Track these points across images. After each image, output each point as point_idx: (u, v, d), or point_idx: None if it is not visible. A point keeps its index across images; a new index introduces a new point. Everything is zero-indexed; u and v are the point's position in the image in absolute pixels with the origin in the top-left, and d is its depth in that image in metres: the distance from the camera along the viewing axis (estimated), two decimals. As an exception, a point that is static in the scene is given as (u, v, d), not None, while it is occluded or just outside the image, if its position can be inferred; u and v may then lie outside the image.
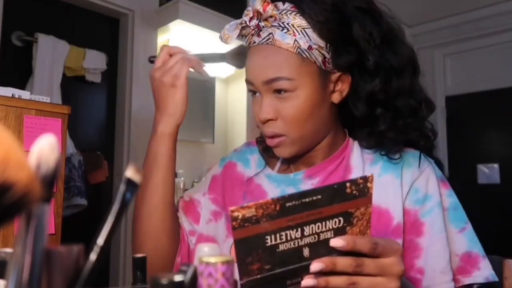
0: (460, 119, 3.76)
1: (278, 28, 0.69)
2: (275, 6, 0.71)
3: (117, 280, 2.47)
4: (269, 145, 0.76)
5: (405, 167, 0.73)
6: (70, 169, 2.20)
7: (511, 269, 0.83)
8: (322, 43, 0.69)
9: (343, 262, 0.45)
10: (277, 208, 0.42)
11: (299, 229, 0.44)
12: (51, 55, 2.28)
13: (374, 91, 0.72)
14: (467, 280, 0.68)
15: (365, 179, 0.47)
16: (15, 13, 2.25)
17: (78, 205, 2.20)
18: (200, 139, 3.01)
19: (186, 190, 2.72)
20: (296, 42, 0.68)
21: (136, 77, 2.64)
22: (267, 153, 0.84)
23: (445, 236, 0.69)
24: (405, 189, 0.72)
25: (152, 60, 0.84)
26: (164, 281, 0.31)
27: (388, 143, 0.74)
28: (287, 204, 0.42)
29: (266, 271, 0.44)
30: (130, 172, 0.35)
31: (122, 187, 0.34)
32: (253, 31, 0.73)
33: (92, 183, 2.37)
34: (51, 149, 0.31)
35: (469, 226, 0.72)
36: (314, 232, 0.45)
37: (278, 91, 0.70)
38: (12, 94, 1.54)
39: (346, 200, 0.46)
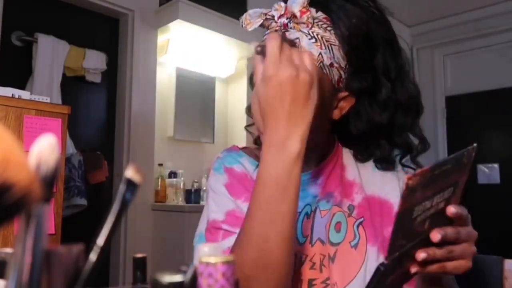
0: (460, 119, 3.76)
1: (307, 36, 0.68)
2: (310, 13, 0.69)
3: (117, 280, 2.47)
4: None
5: (397, 162, 0.78)
6: (70, 169, 2.20)
7: (511, 269, 0.83)
8: (343, 63, 0.69)
9: (452, 232, 0.50)
10: (429, 176, 0.42)
11: (432, 200, 0.45)
12: (51, 55, 2.28)
13: (381, 123, 0.73)
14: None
15: (474, 148, 0.48)
16: (15, 13, 2.25)
17: (78, 205, 2.20)
18: (200, 139, 3.01)
19: (186, 190, 2.73)
20: (320, 55, 0.67)
21: (136, 77, 2.64)
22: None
23: None
24: (400, 181, 0.76)
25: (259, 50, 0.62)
26: (164, 281, 0.31)
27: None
28: (436, 172, 0.43)
29: (403, 247, 0.44)
30: (130, 172, 0.35)
31: (122, 187, 0.34)
32: (277, 27, 0.71)
33: (92, 183, 2.37)
34: (51, 149, 0.31)
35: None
36: (436, 202, 0.46)
37: None
38: (12, 94, 1.54)
39: (461, 169, 0.48)
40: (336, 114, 0.74)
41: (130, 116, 2.61)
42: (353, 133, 0.76)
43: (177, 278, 0.32)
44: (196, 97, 2.98)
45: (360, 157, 0.79)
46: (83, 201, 2.21)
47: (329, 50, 0.68)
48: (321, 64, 0.67)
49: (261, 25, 0.72)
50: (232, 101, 3.21)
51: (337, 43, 0.68)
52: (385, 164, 0.77)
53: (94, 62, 2.48)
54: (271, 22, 0.71)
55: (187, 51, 2.86)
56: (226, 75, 3.14)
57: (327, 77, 0.69)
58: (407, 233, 0.44)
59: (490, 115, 3.58)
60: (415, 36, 3.91)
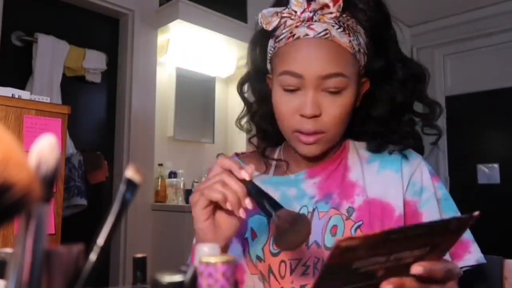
0: (460, 119, 3.75)
1: (334, 26, 0.69)
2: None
3: (117, 280, 2.47)
4: (302, 141, 0.74)
5: (404, 163, 0.77)
6: (70, 169, 2.20)
7: (511, 269, 0.83)
8: (365, 47, 0.73)
9: (411, 286, 0.45)
10: (382, 239, 0.40)
11: (388, 256, 0.42)
12: (51, 55, 2.28)
13: (403, 101, 0.76)
14: (459, 264, 0.71)
15: (471, 218, 0.44)
16: (15, 13, 2.25)
17: (78, 205, 2.20)
18: (200, 139, 3.01)
19: (186, 190, 2.73)
20: (351, 42, 0.70)
21: (136, 77, 2.64)
22: (260, 164, 0.84)
23: None
24: (405, 182, 0.75)
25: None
26: (164, 281, 0.31)
27: (389, 145, 0.79)
28: (392, 236, 0.40)
29: (339, 286, 0.43)
30: (130, 172, 0.35)
31: (122, 187, 0.34)
32: (298, 23, 0.71)
33: (92, 183, 2.37)
34: (51, 149, 0.31)
35: (458, 214, 0.76)
36: (399, 258, 0.43)
37: (328, 88, 0.70)
38: (12, 94, 1.54)
39: (444, 234, 0.45)
40: (358, 101, 0.77)
41: (130, 116, 2.60)
42: (373, 117, 0.78)
43: (177, 278, 0.32)
44: (196, 97, 2.98)
45: (375, 147, 0.79)
46: (83, 201, 2.21)
47: (356, 37, 0.71)
48: (353, 50, 0.70)
49: (276, 25, 0.73)
50: (232, 101, 3.21)
51: (359, 30, 0.72)
52: (405, 140, 0.77)
53: (94, 62, 2.48)
54: (286, 20, 0.72)
55: (187, 51, 2.85)
56: (226, 75, 3.14)
57: (357, 64, 0.72)
58: (345, 278, 0.42)
59: (490, 115, 3.58)
60: (415, 36, 3.91)
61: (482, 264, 0.72)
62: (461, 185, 3.59)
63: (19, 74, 2.25)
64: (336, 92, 0.70)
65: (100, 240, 0.33)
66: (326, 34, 0.69)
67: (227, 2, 2.89)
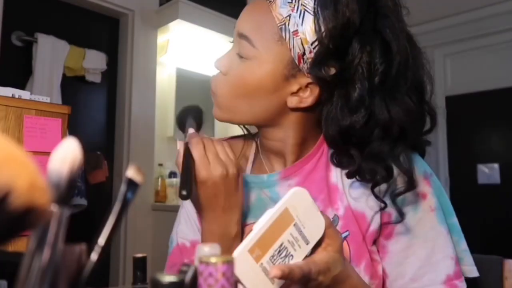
0: (460, 119, 3.75)
1: None
2: None
3: (117, 280, 2.47)
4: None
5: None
6: (70, 169, 2.20)
7: (511, 269, 0.83)
8: (311, 37, 0.59)
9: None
10: None
11: None
12: (51, 55, 2.28)
13: (349, 128, 0.61)
14: (463, 285, 0.63)
15: None
16: (15, 13, 2.25)
17: (78, 205, 2.20)
18: (200, 139, 3.01)
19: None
20: (288, 17, 0.60)
21: (136, 77, 2.64)
22: (239, 153, 0.77)
23: (418, 242, 0.63)
24: (383, 193, 0.62)
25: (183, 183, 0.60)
26: (164, 281, 0.31)
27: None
28: None
29: None
30: (130, 172, 0.35)
31: (122, 187, 0.34)
32: None
33: (92, 183, 2.37)
34: (65, 155, 0.31)
35: (454, 220, 0.68)
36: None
37: (238, 49, 0.65)
38: (12, 94, 1.54)
39: None
40: (292, 102, 0.64)
41: (130, 116, 2.61)
42: (325, 138, 0.66)
43: (177, 278, 0.32)
44: (196, 97, 2.98)
45: (336, 162, 0.67)
46: (83, 201, 2.20)
47: (300, 17, 0.60)
48: (282, 26, 0.60)
49: None
50: (232, 101, 3.21)
51: (313, 13, 0.59)
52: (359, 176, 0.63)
53: (94, 62, 2.48)
54: None
55: (187, 51, 2.85)
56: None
57: (285, 46, 0.61)
58: None
59: (490, 115, 3.58)
60: (415, 36, 3.90)
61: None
62: (461, 185, 3.59)
63: (19, 74, 2.25)
64: (241, 57, 0.64)
65: (101, 240, 0.33)
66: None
67: (227, 2, 2.89)
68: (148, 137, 2.67)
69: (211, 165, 0.60)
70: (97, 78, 2.53)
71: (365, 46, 0.59)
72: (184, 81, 2.88)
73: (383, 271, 0.64)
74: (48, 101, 1.65)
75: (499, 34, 3.50)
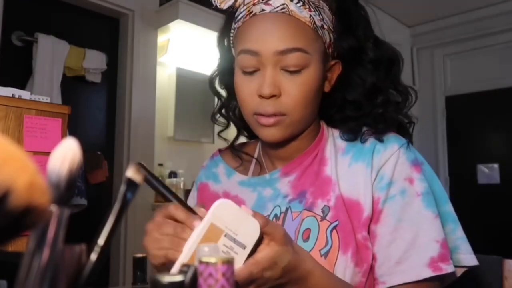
0: (460, 119, 3.76)
1: (293, 1, 0.66)
2: None
3: (117, 280, 2.47)
4: (261, 124, 0.69)
5: (375, 154, 0.69)
6: (70, 169, 2.20)
7: (511, 269, 0.83)
8: (331, 25, 0.69)
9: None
10: None
11: None
12: (51, 55, 2.28)
13: (375, 83, 0.71)
14: (449, 268, 0.63)
15: None
16: (15, 13, 2.25)
17: (78, 205, 2.20)
18: (200, 139, 3.01)
19: (186, 190, 2.73)
20: (311, 17, 0.66)
21: (136, 77, 2.64)
22: (236, 160, 0.81)
23: (403, 226, 0.65)
24: (374, 176, 0.68)
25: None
26: (164, 281, 0.31)
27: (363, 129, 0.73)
28: None
29: None
30: (130, 172, 0.35)
31: (122, 187, 0.35)
32: (256, 0, 0.68)
33: (92, 183, 2.37)
34: (64, 155, 0.31)
35: (449, 208, 0.69)
36: None
37: (287, 66, 0.65)
38: (12, 94, 1.54)
39: None
40: (327, 87, 0.72)
41: (130, 116, 2.61)
42: (348, 101, 0.74)
43: (177, 278, 0.32)
44: (196, 97, 2.98)
45: (347, 135, 0.73)
46: (83, 201, 2.20)
47: (317, 13, 0.67)
48: (315, 25, 0.66)
49: (236, 2, 0.71)
50: (232, 101, 3.21)
51: (322, 5, 0.68)
52: (379, 123, 0.71)
53: (94, 62, 2.48)
54: None
55: (187, 51, 2.85)
56: (226, 75, 3.14)
57: (321, 40, 0.68)
58: None
59: (490, 115, 3.58)
60: (415, 36, 3.91)
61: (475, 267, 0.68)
62: (461, 185, 3.59)
63: (19, 74, 2.25)
64: (297, 70, 0.65)
65: (101, 240, 0.33)
66: (284, 8, 0.65)
67: (227, 2, 2.89)
68: (148, 137, 2.67)
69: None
70: (97, 78, 2.53)
71: (361, 14, 0.73)
72: (184, 81, 2.88)
73: (374, 257, 0.66)
74: (48, 101, 1.65)
75: (499, 34, 3.50)
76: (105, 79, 2.61)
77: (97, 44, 2.54)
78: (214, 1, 0.73)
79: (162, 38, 2.79)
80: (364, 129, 0.72)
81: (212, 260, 0.34)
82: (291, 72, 0.66)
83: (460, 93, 3.75)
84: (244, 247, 0.50)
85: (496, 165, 3.53)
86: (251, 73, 0.68)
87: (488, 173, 3.56)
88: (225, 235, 0.49)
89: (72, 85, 2.44)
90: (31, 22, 2.31)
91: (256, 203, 0.75)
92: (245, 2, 0.70)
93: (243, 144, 0.88)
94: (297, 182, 0.73)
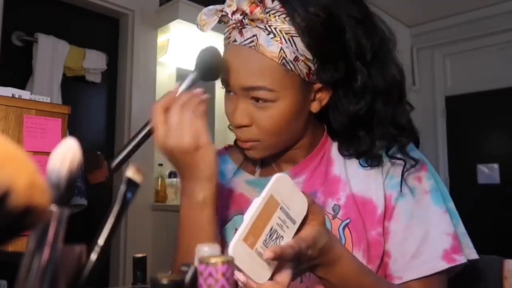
0: (460, 119, 3.76)
1: (264, 31, 0.63)
2: (263, 4, 0.64)
3: (117, 280, 2.47)
4: (240, 146, 0.74)
5: (383, 157, 0.71)
6: (70, 169, 2.20)
7: (511, 269, 0.83)
8: (309, 54, 0.64)
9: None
10: None
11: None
12: (51, 55, 2.28)
13: (358, 113, 0.69)
14: (462, 259, 0.65)
15: None
16: (15, 13, 2.25)
17: (78, 205, 2.20)
18: (200, 139, 3.01)
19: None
20: (282, 51, 0.63)
21: (136, 77, 2.64)
22: (245, 158, 0.81)
23: (415, 223, 0.67)
24: (385, 174, 0.70)
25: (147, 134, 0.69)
26: (164, 281, 0.31)
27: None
28: None
29: None
30: (130, 172, 0.35)
31: (122, 187, 0.35)
32: (234, 25, 0.67)
33: (92, 183, 2.37)
34: (64, 155, 0.31)
35: (451, 205, 0.71)
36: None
37: (256, 99, 0.66)
38: (12, 94, 1.54)
39: None
40: (315, 107, 0.71)
41: (130, 116, 2.60)
42: (333, 126, 0.73)
43: (177, 278, 0.32)
44: (196, 97, 2.98)
45: (345, 152, 0.73)
46: (83, 201, 2.20)
47: (291, 44, 0.63)
48: (283, 61, 0.63)
49: (219, 22, 0.70)
50: (232, 101, 3.21)
51: (298, 33, 0.63)
52: (369, 159, 0.71)
53: (94, 62, 2.48)
54: (228, 19, 0.68)
55: (187, 51, 2.86)
56: (226, 75, 3.14)
57: (293, 73, 0.65)
58: None
59: (490, 115, 3.58)
60: (415, 36, 3.91)
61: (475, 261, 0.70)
62: (461, 185, 3.59)
63: (19, 74, 2.25)
64: (265, 103, 0.66)
65: (101, 240, 0.33)
66: (252, 42, 0.64)
67: (227, 2, 2.89)
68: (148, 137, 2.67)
69: (170, 133, 0.62)
70: (97, 78, 2.53)
71: (351, 33, 0.66)
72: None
73: (386, 253, 0.68)
74: (48, 101, 1.65)
75: (499, 34, 3.51)
76: (105, 79, 2.61)
77: (97, 44, 2.54)
78: (198, 25, 0.72)
79: (162, 38, 2.79)
80: (382, 152, 0.71)
81: (212, 260, 0.34)
82: (260, 105, 0.66)
83: (460, 93, 3.75)
84: (294, 222, 0.52)
85: (496, 165, 3.54)
86: (229, 92, 0.71)
87: (488, 173, 3.56)
88: (280, 208, 0.50)
89: (72, 85, 2.44)
90: (31, 22, 2.31)
91: None
92: (229, 23, 0.69)
93: None
94: (307, 184, 0.74)
